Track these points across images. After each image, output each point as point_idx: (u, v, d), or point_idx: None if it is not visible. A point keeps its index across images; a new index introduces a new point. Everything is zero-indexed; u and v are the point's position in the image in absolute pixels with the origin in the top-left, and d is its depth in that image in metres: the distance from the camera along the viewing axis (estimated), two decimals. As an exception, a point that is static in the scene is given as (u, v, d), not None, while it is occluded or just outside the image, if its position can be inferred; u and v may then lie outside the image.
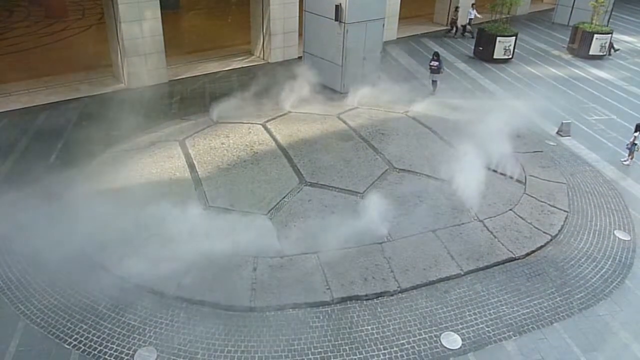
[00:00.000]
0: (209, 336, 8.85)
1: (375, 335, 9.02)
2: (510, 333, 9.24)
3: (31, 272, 10.10)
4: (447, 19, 28.83)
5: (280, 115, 14.94)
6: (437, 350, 8.84)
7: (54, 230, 11.13)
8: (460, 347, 8.91)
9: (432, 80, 19.56)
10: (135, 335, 8.82)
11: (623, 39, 27.68)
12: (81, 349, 8.57)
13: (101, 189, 12.12)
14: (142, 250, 10.31)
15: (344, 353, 8.70)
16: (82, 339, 8.74)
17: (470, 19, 27.54)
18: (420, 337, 9.05)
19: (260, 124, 14.24)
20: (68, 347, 8.62)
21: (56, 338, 8.76)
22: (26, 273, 10.09)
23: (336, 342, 8.86)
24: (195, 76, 20.76)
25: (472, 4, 27.65)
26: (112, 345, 8.63)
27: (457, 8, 27.77)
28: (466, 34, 27.51)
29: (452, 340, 9.02)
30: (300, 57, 21.66)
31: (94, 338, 8.75)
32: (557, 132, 16.83)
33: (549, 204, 12.58)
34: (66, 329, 8.92)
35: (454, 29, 27.70)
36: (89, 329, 8.91)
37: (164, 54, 19.70)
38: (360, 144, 13.35)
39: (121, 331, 8.89)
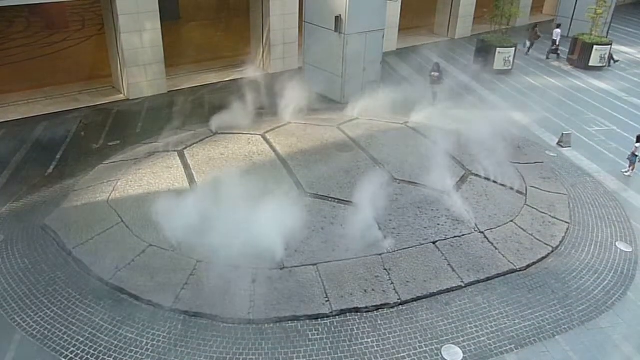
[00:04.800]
0: (207, 349, 8.75)
1: (375, 348, 8.91)
2: (512, 346, 9.13)
3: (27, 283, 10.02)
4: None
5: (280, 126, 14.91)
6: (438, 363, 8.76)
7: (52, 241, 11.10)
8: (462, 361, 8.82)
9: (433, 91, 19.55)
10: (132, 348, 8.71)
11: (622, 50, 27.73)
12: (77, 362, 8.49)
13: (99, 200, 12.07)
14: (139, 261, 10.25)
15: (344, 366, 8.60)
16: (79, 352, 8.63)
17: (555, 40, 25.95)
18: (421, 349, 8.95)
19: (259, 135, 14.20)
20: (64, 359, 8.54)
21: (52, 351, 8.66)
22: (22, 284, 10.00)
23: (335, 355, 8.75)
24: (194, 87, 20.77)
25: (558, 25, 26.79)
26: (109, 359, 8.51)
27: (536, 25, 27.29)
28: (551, 55, 26.06)
29: (453, 353, 8.92)
30: (300, 68, 21.69)
31: (91, 351, 8.64)
32: (558, 143, 16.79)
33: (550, 215, 12.51)
34: (62, 342, 8.81)
35: (530, 45, 26.80)
36: (85, 341, 8.81)
37: (163, 64, 19.74)
38: (360, 155, 13.30)
39: (118, 344, 8.78)
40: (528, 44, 26.84)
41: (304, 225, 10.98)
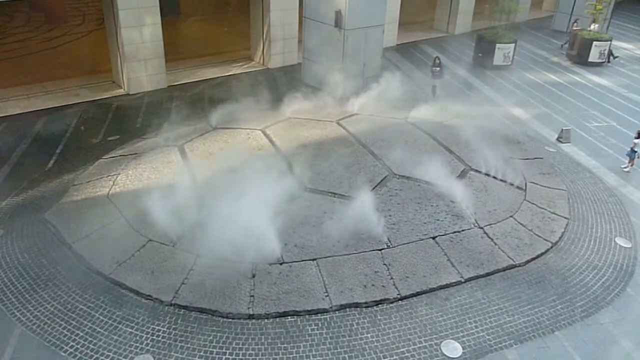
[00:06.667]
0: (206, 344, 8.76)
1: (375, 344, 8.93)
2: (512, 341, 9.15)
3: (27, 277, 10.03)
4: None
5: (280, 121, 14.89)
6: (438, 358, 8.75)
7: (51, 237, 11.10)
8: (461, 356, 8.81)
9: (432, 86, 19.54)
10: (132, 343, 8.73)
11: (622, 46, 27.69)
12: (77, 357, 8.47)
13: (98, 194, 12.06)
14: (138, 256, 10.26)
15: (343, 361, 8.62)
16: (79, 346, 8.65)
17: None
18: (421, 345, 8.96)
19: (259, 130, 14.19)
20: (64, 354, 8.52)
21: (52, 345, 8.67)
22: (22, 279, 10.01)
23: (335, 351, 8.77)
24: (194, 82, 20.74)
25: (593, 20, 26.45)
26: (109, 354, 8.53)
27: (577, 20, 27.24)
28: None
29: (452, 349, 8.94)
30: (300, 63, 21.64)
31: (90, 346, 8.66)
32: (557, 139, 16.79)
33: (549, 211, 12.51)
34: (62, 337, 8.83)
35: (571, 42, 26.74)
36: (85, 336, 8.82)
37: (163, 59, 19.71)
38: (360, 150, 13.29)
39: (118, 339, 8.80)
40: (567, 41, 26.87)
41: (303, 220, 10.99)
